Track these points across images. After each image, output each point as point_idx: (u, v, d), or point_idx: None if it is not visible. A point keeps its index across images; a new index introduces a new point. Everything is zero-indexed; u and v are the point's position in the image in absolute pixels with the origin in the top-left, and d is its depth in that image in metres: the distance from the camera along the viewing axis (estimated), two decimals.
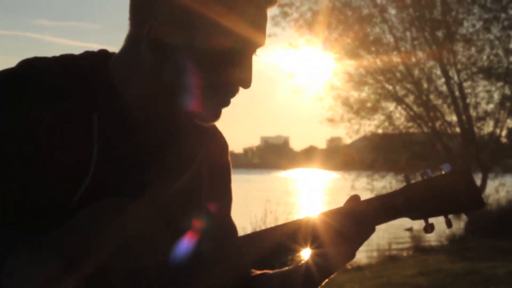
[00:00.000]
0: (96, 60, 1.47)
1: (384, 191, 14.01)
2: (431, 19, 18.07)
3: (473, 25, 18.47)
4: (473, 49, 18.53)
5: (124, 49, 1.46)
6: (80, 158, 1.38)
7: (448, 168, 1.44)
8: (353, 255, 1.44)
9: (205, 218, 1.52)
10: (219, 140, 1.64)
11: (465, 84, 18.66)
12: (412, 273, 10.52)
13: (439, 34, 18.18)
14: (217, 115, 1.45)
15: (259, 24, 1.42)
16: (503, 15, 18.27)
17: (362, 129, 19.85)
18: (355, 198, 1.46)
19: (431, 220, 1.46)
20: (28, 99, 1.37)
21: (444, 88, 18.84)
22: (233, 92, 1.44)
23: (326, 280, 1.48)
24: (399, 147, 19.57)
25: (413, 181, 1.46)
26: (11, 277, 1.27)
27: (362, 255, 13.41)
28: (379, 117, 19.65)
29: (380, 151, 20.11)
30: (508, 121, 19.28)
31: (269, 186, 54.18)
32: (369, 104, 19.43)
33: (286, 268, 1.54)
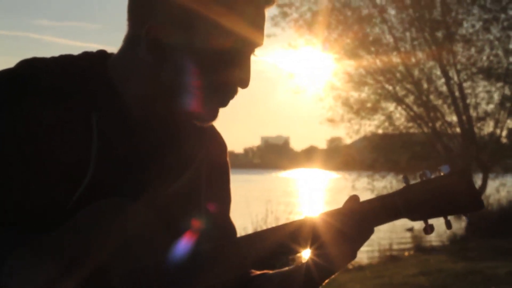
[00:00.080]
0: (95, 60, 1.47)
1: (384, 191, 14.03)
2: (431, 20, 18.07)
3: (473, 26, 18.50)
4: (473, 50, 18.54)
5: (123, 50, 1.46)
6: (79, 158, 1.37)
7: (447, 170, 1.44)
8: (354, 256, 1.43)
9: (204, 218, 1.51)
10: (218, 141, 1.64)
11: (465, 85, 18.67)
12: (413, 273, 10.52)
13: (439, 34, 18.18)
14: (215, 115, 1.45)
15: (258, 24, 1.42)
16: (502, 16, 18.29)
17: (362, 129, 19.88)
18: (354, 198, 1.46)
19: (430, 221, 1.46)
20: (27, 99, 1.37)
21: (444, 89, 18.86)
22: (233, 93, 1.44)
23: (327, 280, 1.48)
24: (399, 147, 19.57)
25: (412, 182, 1.46)
26: (11, 277, 1.27)
27: (363, 255, 13.41)
28: (379, 117, 19.68)
29: (381, 151, 20.11)
30: (508, 121, 19.31)
31: (269, 186, 54.16)
32: (369, 105, 19.44)
33: (286, 268, 1.54)
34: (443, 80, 18.71)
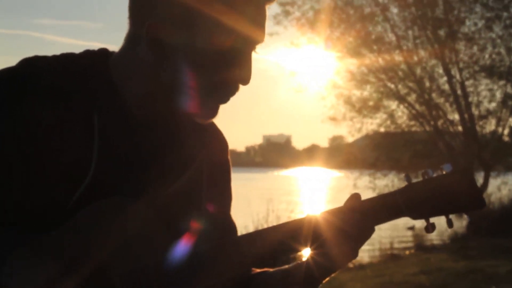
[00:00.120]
0: (96, 59, 1.47)
1: (386, 190, 14.01)
2: (433, 18, 18.06)
3: (475, 24, 18.49)
4: (475, 48, 18.54)
5: (124, 48, 1.46)
6: (80, 158, 1.37)
7: (449, 168, 1.44)
8: (355, 254, 1.43)
9: (205, 217, 1.51)
10: (219, 139, 1.64)
11: (467, 83, 18.67)
12: (414, 271, 10.52)
13: (441, 32, 18.17)
14: (215, 112, 1.44)
15: (259, 21, 1.42)
16: (505, 14, 18.27)
17: (364, 127, 19.88)
18: (355, 197, 1.46)
19: (432, 219, 1.46)
20: (28, 98, 1.37)
21: (446, 87, 18.84)
22: (233, 90, 1.44)
23: (327, 278, 1.47)
24: (401, 145, 19.58)
25: (414, 181, 1.46)
26: (11, 277, 1.27)
27: (364, 254, 13.41)
28: (381, 116, 19.68)
29: (382, 149, 20.12)
30: (510, 119, 19.29)
31: (271, 185, 54.18)
32: (371, 103, 19.44)
33: (287, 266, 1.54)
34: (445, 78, 18.71)
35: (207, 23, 1.36)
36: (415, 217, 1.44)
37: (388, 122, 19.66)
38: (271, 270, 1.57)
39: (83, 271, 1.31)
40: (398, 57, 18.61)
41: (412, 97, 19.10)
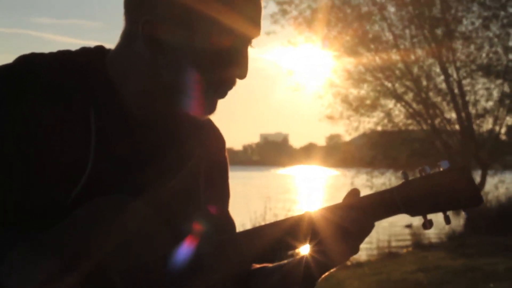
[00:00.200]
0: (92, 56, 1.46)
1: (383, 188, 13.98)
2: (430, 17, 18.06)
3: (472, 23, 18.49)
4: (472, 47, 18.53)
5: (120, 46, 1.45)
6: (78, 157, 1.37)
7: (446, 165, 1.44)
8: (354, 251, 1.43)
9: (206, 218, 1.51)
10: (217, 137, 1.64)
11: (464, 82, 18.67)
12: (411, 269, 10.52)
13: (438, 32, 18.18)
14: (213, 108, 1.44)
15: (256, 18, 1.42)
16: (502, 13, 18.27)
17: (361, 126, 19.86)
18: (354, 192, 1.46)
19: (429, 216, 1.46)
20: (27, 96, 1.36)
21: (443, 86, 18.85)
22: (231, 86, 1.44)
23: (326, 273, 1.48)
24: (399, 144, 19.56)
25: (411, 178, 1.46)
26: (10, 276, 1.26)
27: (361, 252, 13.38)
28: (378, 114, 19.66)
29: (380, 148, 20.10)
30: (507, 118, 19.31)
31: (268, 183, 54.12)
32: (368, 102, 19.42)
33: (286, 261, 1.53)
34: (442, 77, 18.71)
35: (205, 22, 1.36)
36: (412, 214, 1.44)
37: (385, 120, 19.66)
38: (270, 265, 1.57)
39: (82, 269, 1.30)
40: (395, 56, 18.61)
41: (409, 96, 19.10)
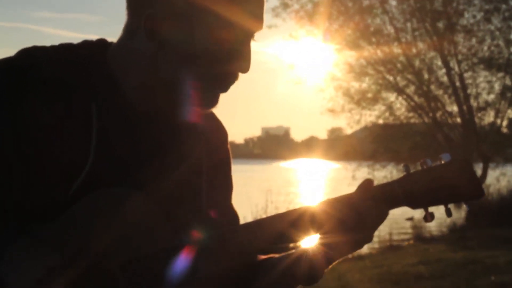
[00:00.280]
0: (94, 49, 1.46)
1: (385, 181, 13.98)
2: (432, 10, 18.03)
3: (474, 16, 18.46)
4: (473, 40, 18.52)
5: (122, 39, 1.45)
6: (78, 152, 1.36)
7: (447, 158, 1.44)
8: (358, 245, 1.45)
9: (206, 207, 1.51)
10: (219, 129, 1.63)
11: (466, 75, 18.66)
12: (413, 262, 10.53)
13: (440, 25, 18.15)
14: (215, 102, 1.44)
15: (258, 12, 1.41)
16: (503, 6, 18.25)
17: (363, 119, 19.86)
18: (367, 182, 1.46)
19: (431, 209, 1.46)
20: (26, 91, 1.35)
21: (445, 79, 18.84)
22: (233, 79, 1.43)
23: (331, 265, 1.47)
24: (400, 137, 19.56)
25: (412, 171, 1.46)
26: (9, 272, 1.26)
27: None
28: (379, 108, 19.66)
29: (381, 141, 20.09)
30: (509, 111, 19.30)
31: (270, 177, 54.11)
32: (370, 95, 19.42)
33: (293, 251, 1.52)
34: (444, 70, 18.70)
35: (208, 17, 1.36)
36: (414, 206, 1.45)
37: (387, 114, 19.65)
38: (276, 255, 1.56)
39: (82, 262, 1.30)
40: (396, 49, 18.60)
41: (410, 89, 19.09)
